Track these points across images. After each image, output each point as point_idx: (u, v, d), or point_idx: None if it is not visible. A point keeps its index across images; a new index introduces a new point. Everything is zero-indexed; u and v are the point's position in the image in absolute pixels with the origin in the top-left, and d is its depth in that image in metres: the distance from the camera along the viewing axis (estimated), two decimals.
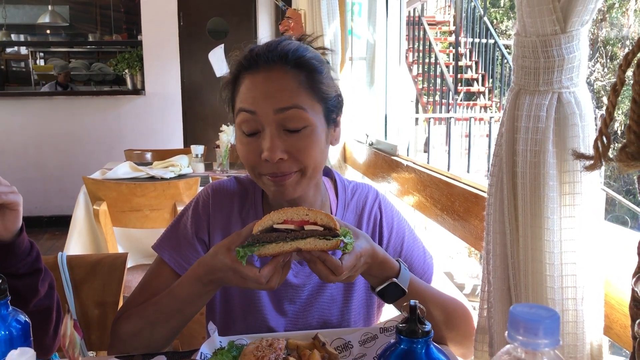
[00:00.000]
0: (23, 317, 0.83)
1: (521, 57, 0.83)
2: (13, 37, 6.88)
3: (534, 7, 0.79)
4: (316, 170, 1.06)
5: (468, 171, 5.73)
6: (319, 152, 1.05)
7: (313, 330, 1.11)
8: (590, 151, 0.79)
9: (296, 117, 1.01)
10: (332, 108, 1.08)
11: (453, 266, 4.56)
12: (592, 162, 0.66)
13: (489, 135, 6.59)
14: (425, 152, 6.42)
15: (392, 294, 1.03)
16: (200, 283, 0.98)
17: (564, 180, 0.81)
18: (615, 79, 0.64)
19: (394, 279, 1.01)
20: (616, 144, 0.67)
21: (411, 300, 0.67)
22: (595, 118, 0.80)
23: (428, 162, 5.39)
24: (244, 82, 1.04)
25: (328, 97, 1.07)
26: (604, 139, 0.65)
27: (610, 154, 0.67)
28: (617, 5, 9.59)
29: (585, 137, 0.81)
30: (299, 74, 1.03)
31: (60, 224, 5.22)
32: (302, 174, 1.04)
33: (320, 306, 1.16)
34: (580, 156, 0.71)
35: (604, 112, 0.66)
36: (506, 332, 0.52)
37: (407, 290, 1.02)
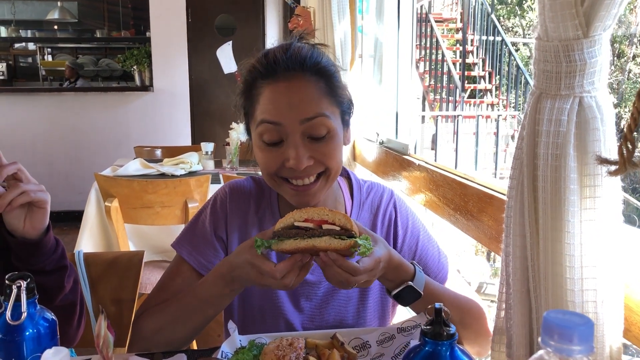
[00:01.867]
0: (50, 315, 0.84)
1: (543, 61, 0.83)
2: (22, 32, 6.90)
3: (556, 12, 0.79)
4: (338, 172, 1.10)
5: (476, 169, 5.73)
6: (340, 155, 1.08)
7: (329, 328, 1.13)
8: (611, 155, 0.79)
9: (321, 125, 1.03)
10: (346, 110, 1.11)
11: (460, 264, 4.57)
12: (616, 167, 0.67)
13: (496, 133, 6.58)
14: (432, 149, 6.42)
15: (408, 296, 1.04)
16: (223, 281, 1.00)
17: (584, 183, 0.82)
18: (624, 77, 0.64)
19: (410, 283, 1.02)
20: None
21: (436, 303, 0.68)
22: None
23: (435, 160, 5.39)
24: (264, 92, 1.04)
25: (343, 100, 1.10)
26: (629, 144, 0.66)
27: (635, 158, 0.67)
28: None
29: (606, 141, 0.81)
30: (319, 81, 1.05)
31: (68, 220, 5.23)
32: (326, 178, 1.07)
33: (337, 304, 1.18)
34: (604, 161, 0.71)
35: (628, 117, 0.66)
36: (539, 337, 0.52)
37: (422, 293, 1.03)
